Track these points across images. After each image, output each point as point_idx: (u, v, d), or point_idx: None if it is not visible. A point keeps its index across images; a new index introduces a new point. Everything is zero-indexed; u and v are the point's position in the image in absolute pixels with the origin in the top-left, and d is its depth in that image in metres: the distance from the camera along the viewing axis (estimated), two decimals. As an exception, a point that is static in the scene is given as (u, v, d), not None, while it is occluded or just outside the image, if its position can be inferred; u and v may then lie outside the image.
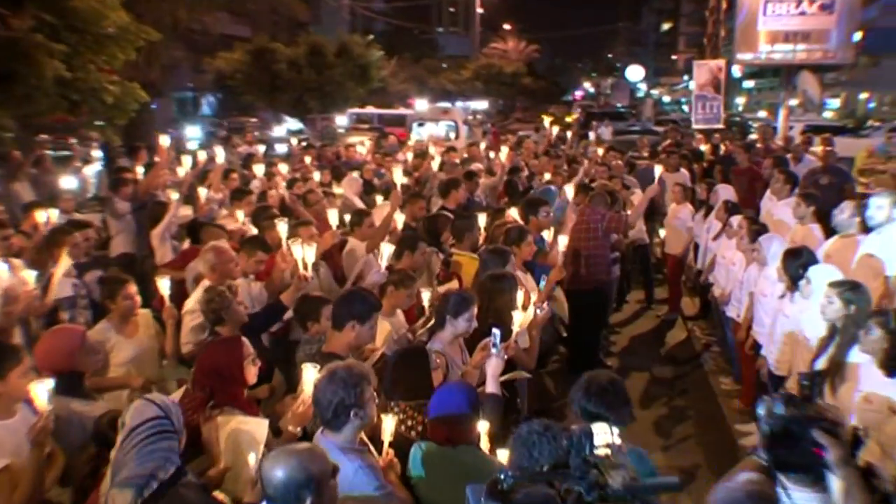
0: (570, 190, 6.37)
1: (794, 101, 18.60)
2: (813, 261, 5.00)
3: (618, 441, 2.06)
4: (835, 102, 35.06)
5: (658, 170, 7.63)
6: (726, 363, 7.57)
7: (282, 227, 4.95)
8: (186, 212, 7.30)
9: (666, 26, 69.85)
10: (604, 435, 2.04)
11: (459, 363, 4.15)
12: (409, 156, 11.48)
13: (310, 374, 3.31)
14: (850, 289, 4.03)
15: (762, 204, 7.97)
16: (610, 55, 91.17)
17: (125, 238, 7.54)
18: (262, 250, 5.26)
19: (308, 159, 11.22)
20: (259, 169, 9.03)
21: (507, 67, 44.80)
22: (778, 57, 15.24)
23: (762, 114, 33.70)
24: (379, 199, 8.42)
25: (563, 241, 5.55)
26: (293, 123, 25.24)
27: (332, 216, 5.78)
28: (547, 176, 9.73)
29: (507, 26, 56.61)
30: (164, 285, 4.55)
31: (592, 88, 76.31)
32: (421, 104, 27.93)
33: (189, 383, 3.66)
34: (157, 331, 4.71)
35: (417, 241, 5.53)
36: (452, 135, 20.16)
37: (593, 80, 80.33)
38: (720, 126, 16.05)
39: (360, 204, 8.30)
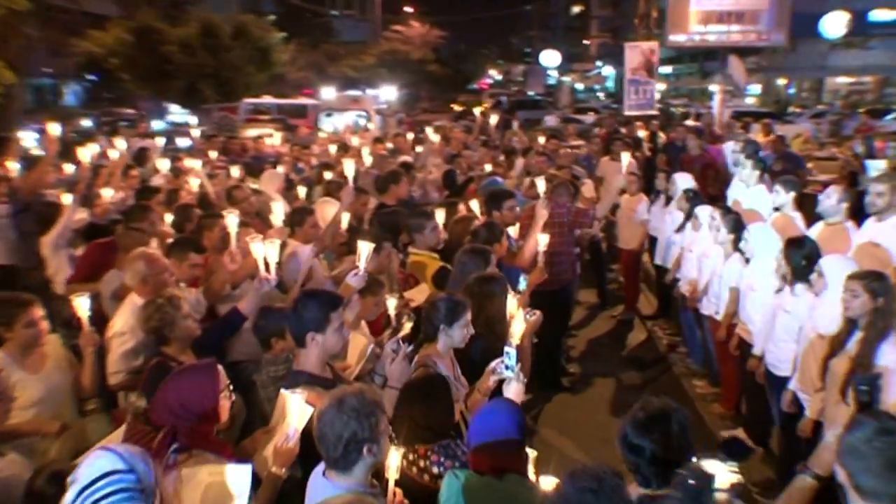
0: (541, 183, 6.23)
1: (714, 87, 19.33)
2: (816, 251, 5.01)
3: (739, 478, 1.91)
4: (756, 88, 36.84)
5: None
6: (697, 365, 7.63)
7: (231, 220, 4.55)
8: (81, 215, 6.69)
9: (577, 9, 71.60)
10: (725, 475, 1.89)
11: (453, 381, 3.89)
12: (333, 148, 11.08)
13: (295, 403, 2.98)
14: (875, 279, 4.02)
15: (729, 192, 8.10)
16: (516, 40, 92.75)
17: (2, 247, 6.87)
18: (195, 252, 4.89)
19: (214, 153, 10.63)
20: (163, 164, 8.43)
21: (413, 53, 44.70)
22: (712, 38, 15.76)
23: (682, 100, 35.05)
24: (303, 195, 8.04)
25: (544, 240, 5.38)
26: (179, 115, 24.08)
27: (278, 212, 5.39)
28: (487, 167, 9.61)
29: (408, 9, 56.52)
30: (82, 305, 4.02)
31: (500, 76, 77.38)
32: (328, 93, 27.30)
33: (129, 417, 3.24)
34: (69, 361, 4.19)
35: (381, 240, 5.23)
36: (370, 126, 19.76)
37: (500, 68, 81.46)
38: (654, 112, 16.47)
39: (281, 201, 7.91)
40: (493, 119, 13.42)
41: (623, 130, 14.08)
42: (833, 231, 5.69)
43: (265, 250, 4.12)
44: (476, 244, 5.14)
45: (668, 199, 8.43)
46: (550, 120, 18.57)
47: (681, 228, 7.62)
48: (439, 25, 54.50)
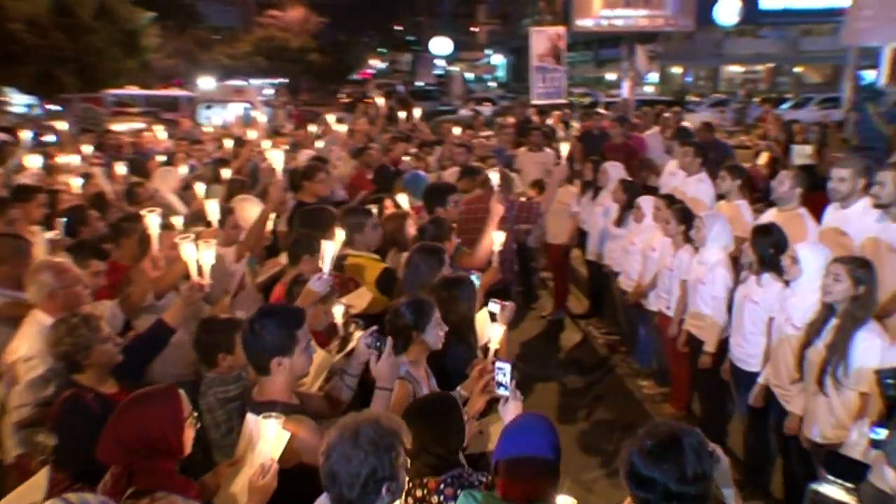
0: (494, 176, 6.18)
1: (613, 76, 19.92)
2: (784, 239, 5.12)
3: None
4: (653, 77, 38.32)
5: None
6: (640, 364, 7.73)
7: (152, 219, 4.20)
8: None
9: (463, -5, 72.33)
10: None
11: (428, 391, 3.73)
12: (229, 143, 10.62)
13: (270, 429, 2.73)
14: (860, 266, 4.12)
15: (664, 180, 8.26)
16: (400, 28, 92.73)
17: None
18: (97, 258, 4.55)
19: (89, 149, 9.92)
20: (34, 160, 7.79)
21: (292, 41, 43.81)
22: (620, 23, 16.19)
23: (580, 90, 36.01)
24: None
25: (500, 238, 5.28)
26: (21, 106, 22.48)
27: (212, 210, 5.03)
28: (405, 159, 9.47)
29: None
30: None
31: (383, 65, 77.14)
32: (206, 83, 26.27)
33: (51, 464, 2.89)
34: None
35: (317, 241, 4.97)
36: (261, 118, 19.11)
37: (384, 56, 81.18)
38: (563, 101, 16.75)
39: (177, 202, 7.49)
40: (403, 113, 13.28)
41: (535, 119, 14.22)
42: (788, 218, 5.84)
43: (199, 253, 3.81)
44: (427, 242, 4.98)
45: (598, 190, 8.52)
46: (465, 111, 18.64)
47: (621, 221, 7.70)
48: (317, 11, 53.77)
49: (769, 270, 5.08)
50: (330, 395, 3.51)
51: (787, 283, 4.95)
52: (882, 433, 2.34)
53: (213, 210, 5.08)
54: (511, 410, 3.32)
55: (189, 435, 2.75)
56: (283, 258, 5.50)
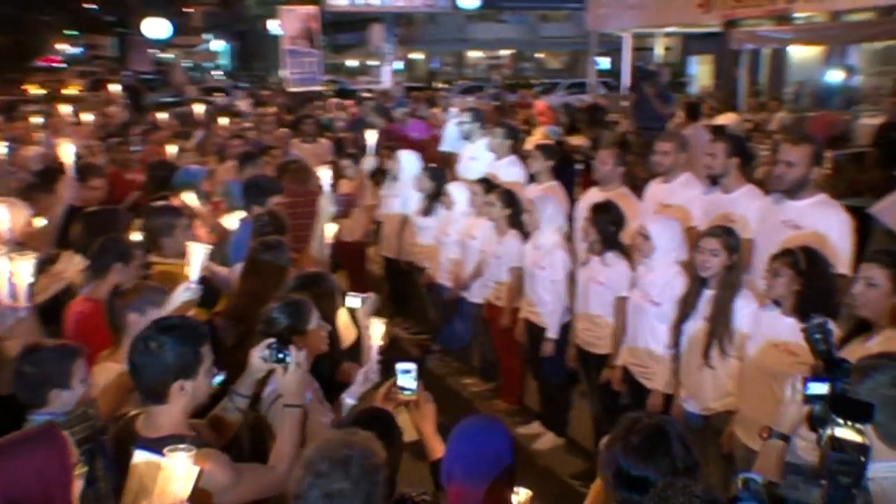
0: (325, 174, 6.09)
1: (354, 62, 20.28)
2: (622, 216, 5.51)
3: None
4: (398, 63, 39.28)
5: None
6: (457, 361, 7.89)
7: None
8: None
9: (172, -29, 69.37)
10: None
11: (318, 405, 3.60)
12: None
13: (180, 466, 2.47)
14: (730, 235, 4.53)
15: (464, 165, 8.52)
16: (93, 6, 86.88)
17: None
18: None
19: None
20: None
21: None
22: (377, 3, 16.44)
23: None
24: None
25: (332, 231, 5.22)
26: None
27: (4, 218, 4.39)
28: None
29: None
30: None
31: (77, 49, 71.94)
32: None
33: None
34: None
35: (131, 246, 4.58)
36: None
37: (74, 40, 75.66)
38: (320, 88, 16.70)
39: None
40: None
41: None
42: (613, 197, 6.27)
43: (13, 267, 3.34)
44: (269, 238, 4.79)
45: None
46: (243, 104, 17.88)
47: (428, 210, 7.79)
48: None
49: (612, 249, 5.44)
50: (217, 419, 3.23)
51: (631, 260, 5.36)
52: (820, 387, 2.56)
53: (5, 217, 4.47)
54: (428, 415, 3.29)
55: (78, 486, 2.39)
56: (62, 269, 4.98)
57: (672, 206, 5.77)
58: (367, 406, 3.36)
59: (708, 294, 4.57)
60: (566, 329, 6.00)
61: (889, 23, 13.60)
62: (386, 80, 18.04)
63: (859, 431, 2.11)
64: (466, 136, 8.99)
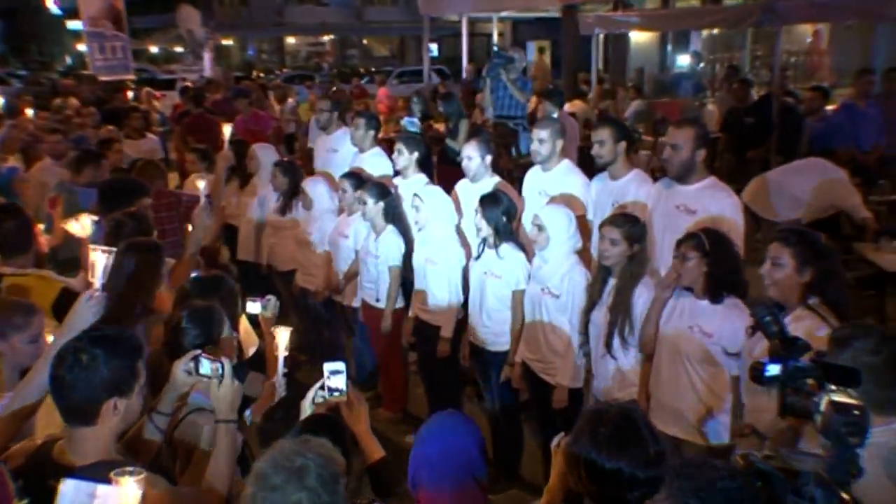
0: (202, 184, 6.02)
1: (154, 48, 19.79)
2: (514, 206, 5.76)
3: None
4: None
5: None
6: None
7: None
8: None
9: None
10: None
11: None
12: None
13: (129, 494, 2.48)
14: (632, 225, 4.83)
15: (322, 157, 8.58)
16: None
17: None
18: None
19: None
20: None
21: None
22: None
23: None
24: None
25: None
26: None
27: None
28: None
29: None
30: None
31: None
32: None
33: None
34: None
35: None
36: None
37: None
38: (130, 76, 16.16)
39: None
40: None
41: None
42: (487, 188, 6.54)
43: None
44: (139, 239, 4.69)
45: (248, 178, 8.53)
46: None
47: (286, 209, 7.77)
48: None
49: (507, 241, 5.66)
50: (134, 441, 3.18)
51: (526, 251, 5.62)
52: (776, 369, 2.84)
53: None
54: (361, 416, 3.36)
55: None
56: None
57: (562, 195, 6.08)
58: (320, 414, 3.38)
59: (612, 283, 4.89)
60: (459, 327, 6.17)
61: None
62: (207, 69, 17.60)
63: (851, 395, 2.37)
64: (324, 127, 9.03)
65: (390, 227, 6.62)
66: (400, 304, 6.72)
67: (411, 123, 11.39)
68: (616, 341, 4.81)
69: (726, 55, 20.68)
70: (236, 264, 9.03)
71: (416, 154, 7.31)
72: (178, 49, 45.87)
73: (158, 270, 4.57)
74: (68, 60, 40.78)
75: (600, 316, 4.93)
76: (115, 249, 3.72)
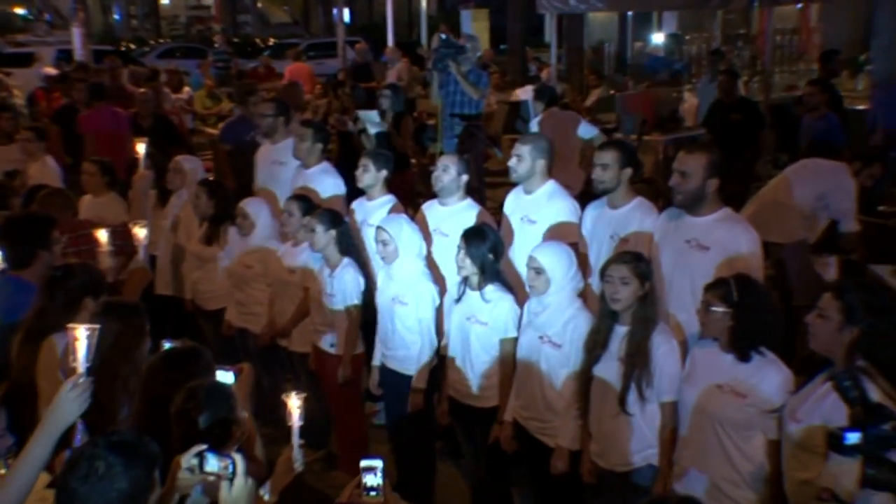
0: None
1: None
2: (500, 240, 6.04)
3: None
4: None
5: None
6: (269, 426, 8.07)
7: None
8: None
9: None
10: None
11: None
12: None
13: None
14: (641, 261, 5.13)
15: (265, 171, 8.77)
16: None
17: None
18: None
19: None
20: None
21: None
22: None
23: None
24: None
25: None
26: None
27: None
28: None
29: None
30: None
31: None
32: None
33: None
34: None
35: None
36: None
37: None
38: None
39: None
40: None
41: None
42: (452, 212, 6.91)
43: None
44: (116, 299, 4.95)
45: (166, 192, 8.65)
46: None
47: (212, 238, 7.87)
48: None
49: (493, 281, 5.91)
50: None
51: (515, 293, 5.89)
52: (855, 437, 3.17)
53: None
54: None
55: None
56: None
57: (553, 227, 6.42)
58: None
59: (621, 331, 5.16)
60: (433, 377, 6.41)
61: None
62: (77, 45, 17.15)
63: None
64: (267, 134, 8.99)
65: (346, 261, 6.77)
66: (360, 349, 6.92)
67: (371, 121, 10.57)
68: (632, 395, 5.02)
69: (696, 34, 21.11)
70: (151, 300, 9.05)
71: (384, 172, 7.51)
72: (19, 11, 44.43)
73: (144, 339, 4.74)
74: None
75: (608, 369, 5.14)
76: (98, 327, 3.75)
